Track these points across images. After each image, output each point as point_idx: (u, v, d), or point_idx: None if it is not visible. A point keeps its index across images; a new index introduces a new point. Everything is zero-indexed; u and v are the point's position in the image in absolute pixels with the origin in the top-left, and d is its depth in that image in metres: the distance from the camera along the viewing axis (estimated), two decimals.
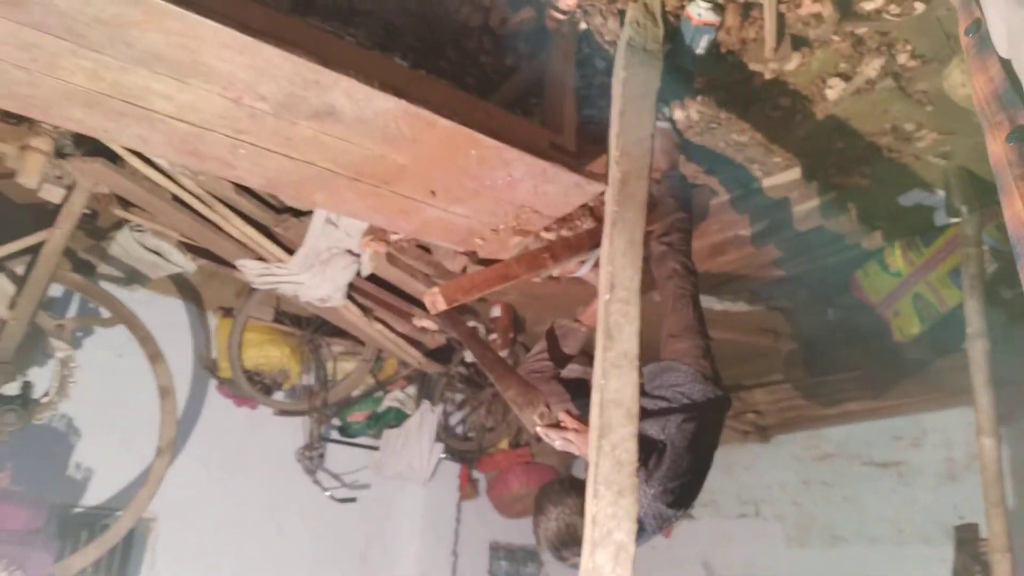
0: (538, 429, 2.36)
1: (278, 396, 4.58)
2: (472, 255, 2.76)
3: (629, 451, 1.72)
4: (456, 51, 2.38)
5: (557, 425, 2.31)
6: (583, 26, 2.28)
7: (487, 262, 2.71)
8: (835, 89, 2.38)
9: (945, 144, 2.60)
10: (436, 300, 2.40)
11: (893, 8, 2.06)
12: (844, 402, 4.46)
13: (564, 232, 2.66)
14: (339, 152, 2.17)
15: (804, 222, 3.07)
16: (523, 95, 2.50)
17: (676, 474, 2.10)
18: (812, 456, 4.84)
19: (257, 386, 4.35)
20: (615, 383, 1.81)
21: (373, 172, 2.25)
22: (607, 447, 1.75)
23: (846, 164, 2.78)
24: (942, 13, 2.04)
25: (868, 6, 2.08)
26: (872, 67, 2.28)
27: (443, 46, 2.36)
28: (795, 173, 2.82)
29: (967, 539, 3.01)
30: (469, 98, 2.13)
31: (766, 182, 2.93)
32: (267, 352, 4.32)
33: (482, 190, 2.26)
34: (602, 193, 2.25)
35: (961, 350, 3.92)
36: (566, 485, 2.15)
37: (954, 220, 2.88)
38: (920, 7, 2.03)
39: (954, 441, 4.14)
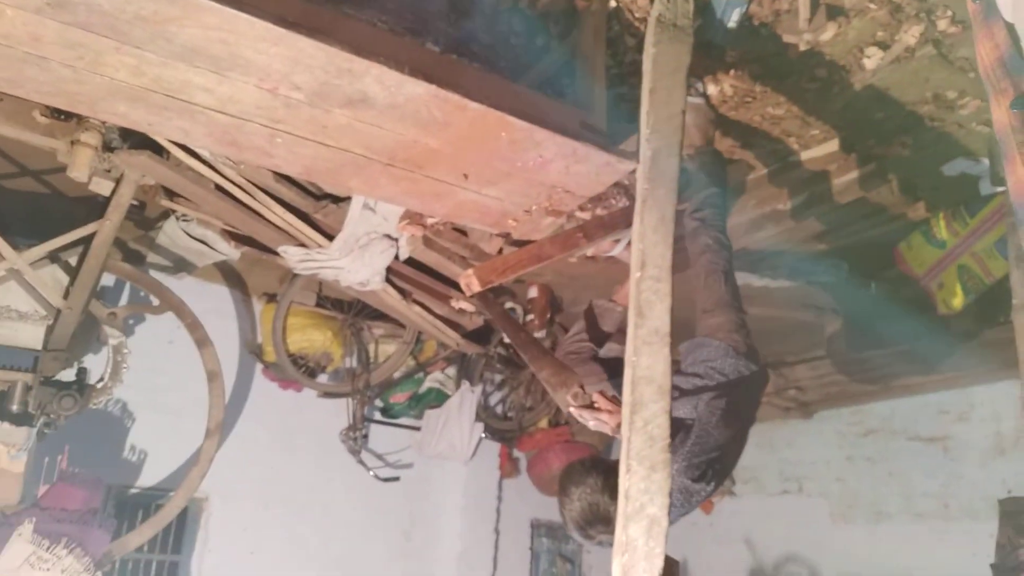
0: (571, 410, 2.38)
1: (322, 379, 4.69)
2: (506, 236, 2.78)
3: (661, 427, 1.74)
4: (487, 34, 2.39)
5: (591, 406, 2.34)
6: (613, 4, 2.27)
7: (521, 243, 2.73)
8: (873, 58, 2.33)
9: (989, 111, 2.54)
10: (471, 282, 2.43)
11: None
12: (888, 377, 4.40)
13: (598, 211, 2.66)
14: (372, 138, 2.21)
15: (844, 194, 3.02)
16: (555, 75, 2.50)
17: (703, 449, 2.10)
18: (856, 432, 4.78)
19: (301, 369, 4.45)
20: (646, 360, 1.82)
21: (406, 157, 2.29)
22: (639, 423, 1.77)
23: (886, 134, 2.73)
24: None
25: None
26: (911, 34, 2.23)
27: (474, 29, 2.37)
28: (833, 145, 2.78)
29: (1012, 512, 2.96)
30: (499, 80, 2.15)
31: (804, 155, 2.89)
32: (310, 336, 4.42)
33: (514, 172, 2.28)
34: (634, 171, 2.25)
35: (1008, 322, 3.85)
36: (587, 465, 2.17)
37: (1000, 189, 2.81)
38: None
39: (1003, 415, 4.06)
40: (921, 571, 4.14)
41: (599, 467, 2.12)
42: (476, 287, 2.41)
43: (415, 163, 2.31)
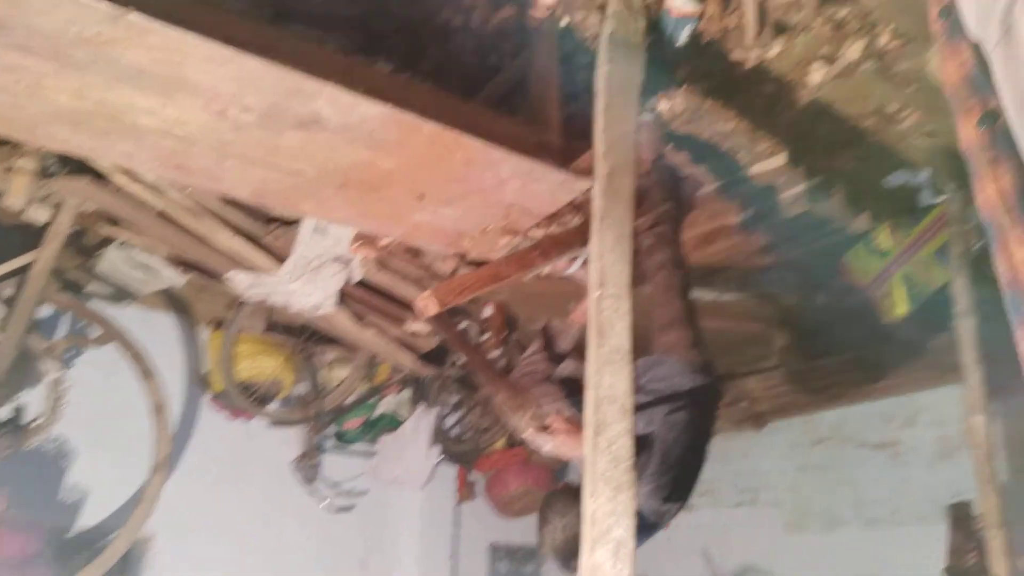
0: (528, 434, 2.36)
1: (272, 407, 4.56)
2: (462, 257, 2.75)
3: (625, 447, 1.73)
4: (439, 52, 2.38)
5: (546, 429, 2.32)
6: (565, 22, 2.28)
7: (477, 263, 2.71)
8: (817, 74, 2.39)
9: (928, 124, 2.62)
10: (429, 303, 2.39)
11: None
12: (837, 385, 4.49)
13: (553, 230, 2.66)
14: (326, 160, 2.16)
15: (792, 208, 3.09)
16: (508, 94, 2.51)
17: (667, 467, 2.11)
18: (807, 441, 4.85)
19: (251, 398, 4.33)
20: (608, 379, 1.82)
21: (360, 179, 2.25)
22: (603, 444, 1.75)
23: (831, 148, 2.80)
24: None
25: None
26: (854, 49, 2.29)
27: (425, 48, 2.36)
28: (781, 159, 2.83)
29: (961, 517, 3.03)
30: (454, 100, 2.13)
31: (753, 169, 2.94)
32: (260, 363, 4.30)
33: (470, 191, 2.26)
34: (589, 189, 2.25)
35: (951, 328, 3.97)
36: (571, 495, 2.15)
37: (940, 199, 2.91)
38: None
39: (947, 419, 4.16)
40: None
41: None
42: (433, 309, 2.38)
43: (369, 185, 2.27)
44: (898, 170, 2.97)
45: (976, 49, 0.66)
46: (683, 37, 2.21)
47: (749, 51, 2.33)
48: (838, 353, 4.30)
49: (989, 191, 0.58)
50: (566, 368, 2.67)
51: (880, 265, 3.40)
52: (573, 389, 2.46)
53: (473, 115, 2.09)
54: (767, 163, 2.90)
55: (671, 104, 2.60)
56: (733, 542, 5.11)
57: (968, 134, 0.62)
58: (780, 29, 2.26)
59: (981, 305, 2.78)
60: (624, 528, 1.68)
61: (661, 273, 2.37)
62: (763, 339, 4.46)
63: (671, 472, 2.07)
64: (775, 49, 2.30)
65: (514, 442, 5.49)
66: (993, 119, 0.59)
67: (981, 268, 3.02)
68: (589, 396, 1.81)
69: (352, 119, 1.98)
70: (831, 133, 2.71)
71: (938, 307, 3.50)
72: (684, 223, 2.90)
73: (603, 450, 1.76)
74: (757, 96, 2.55)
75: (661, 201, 2.46)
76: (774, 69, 2.42)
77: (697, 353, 2.29)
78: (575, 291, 3.51)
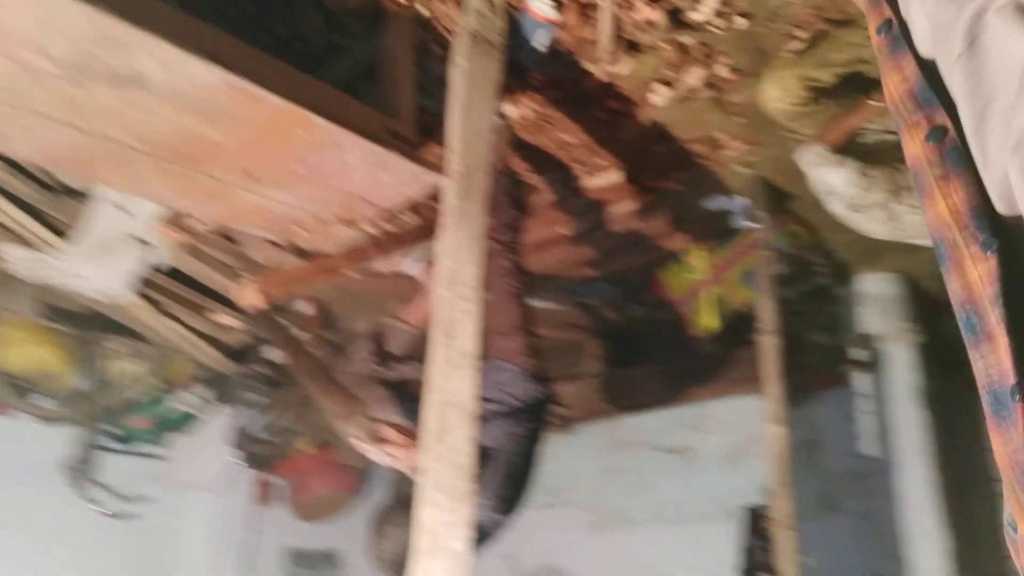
0: (358, 442, 2.24)
1: (43, 402, 4.00)
2: (288, 246, 2.55)
3: (467, 455, 1.67)
4: (284, 26, 2.18)
5: (379, 438, 2.21)
6: (424, 12, 2.18)
7: (307, 254, 2.52)
8: (660, 96, 2.48)
9: (750, 154, 2.81)
10: (255, 296, 2.18)
11: (718, 21, 2.17)
12: (642, 393, 4.73)
13: (387, 227, 2.54)
14: (143, 125, 1.90)
15: (621, 223, 3.20)
16: (353, 78, 2.35)
17: (512, 481, 2.08)
18: (610, 444, 5.08)
19: (18, 390, 3.76)
20: (454, 384, 1.75)
21: (183, 150, 2.00)
22: (445, 451, 1.69)
23: (663, 169, 2.92)
24: (761, 30, 2.18)
25: (696, 16, 2.17)
26: (694, 76, 2.39)
27: (271, 20, 2.15)
28: (616, 176, 2.92)
29: (753, 517, 3.29)
30: (301, 74, 1.95)
31: (589, 183, 3.00)
32: (31, 352, 3.75)
33: (311, 175, 2.09)
34: (436, 188, 2.17)
35: (746, 344, 4.32)
36: (408, 507, 2.05)
37: (751, 225, 3.13)
38: (743, 22, 2.15)
39: (735, 427, 4.53)
40: (668, 573, 4.49)
41: None
42: (260, 302, 2.17)
43: (193, 158, 2.03)
44: (717, 195, 3.17)
45: (921, 62, 0.65)
46: (541, 42, 2.19)
47: (600, 65, 2.36)
48: (646, 363, 4.54)
49: (939, 208, 0.57)
50: (398, 372, 2.56)
51: (692, 282, 3.62)
52: (407, 394, 2.36)
53: (322, 93, 1.93)
54: (603, 178, 2.98)
55: (520, 110, 2.58)
56: (537, 543, 5.22)
57: (914, 150, 0.61)
58: (631, 47, 2.31)
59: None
60: (461, 540, 1.62)
61: (503, 279, 2.33)
62: (578, 348, 4.60)
63: (515, 486, 2.03)
64: (625, 67, 2.35)
65: (319, 444, 5.25)
66: (942, 134, 0.58)
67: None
68: (432, 400, 1.73)
69: (181, 82, 1.75)
70: (665, 154, 2.83)
71: (739, 325, 3.81)
72: (523, 231, 2.89)
73: (445, 458, 1.69)
74: (602, 111, 2.60)
75: (505, 207, 2.42)
76: (621, 86, 2.48)
77: (535, 362, 2.28)
78: (402, 289, 3.41)
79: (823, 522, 3.97)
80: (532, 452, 2.19)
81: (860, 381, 3.93)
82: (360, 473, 5.33)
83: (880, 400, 3.89)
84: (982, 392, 0.51)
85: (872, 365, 3.89)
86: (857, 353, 3.93)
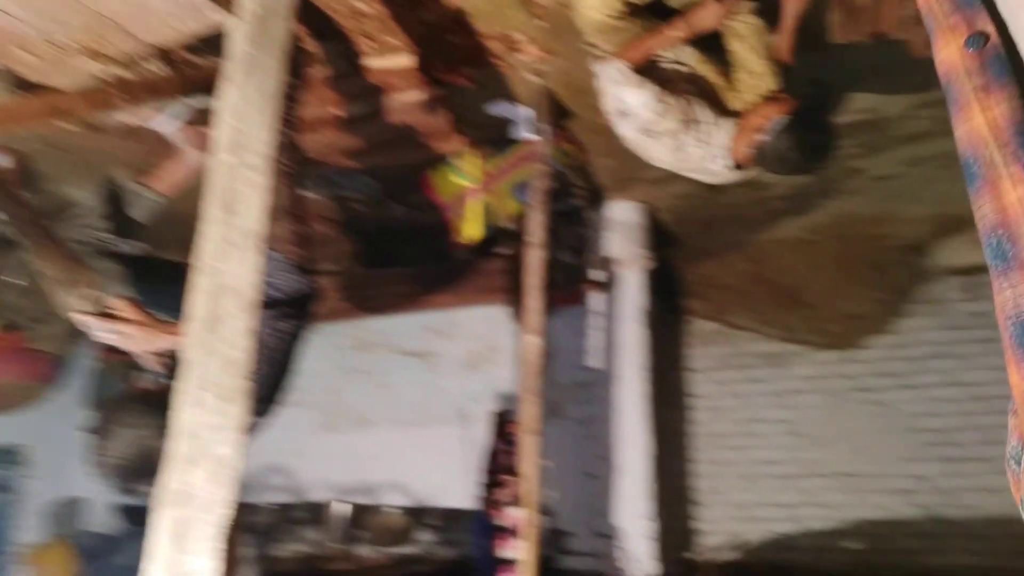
0: (82, 316, 1.89)
1: None
2: (6, 74, 2.01)
3: (245, 349, 1.48)
4: None
5: (109, 314, 1.89)
6: None
7: (29, 87, 2.01)
8: None
9: (543, 63, 2.77)
10: None
11: None
12: (389, 295, 4.66)
13: (146, 68, 2.10)
14: None
15: (400, 113, 3.01)
16: None
17: (275, 380, 1.90)
18: (353, 345, 4.96)
19: None
20: (233, 266, 1.53)
21: None
22: (217, 343, 1.48)
23: (456, 61, 2.78)
24: None
25: None
26: None
27: None
28: (407, 60, 2.71)
29: (500, 423, 3.40)
30: None
31: (374, 62, 2.76)
32: None
33: None
34: (219, 29, 1.82)
35: (497, 256, 4.40)
36: (148, 402, 1.76)
37: (530, 137, 3.12)
38: None
39: (478, 335, 4.66)
40: (400, 473, 4.55)
41: (160, 405, 1.71)
42: None
43: None
44: (502, 101, 3.10)
45: None
46: None
47: None
48: (399, 264, 4.45)
49: (976, 122, 0.52)
50: (138, 248, 2.18)
51: (462, 187, 3.56)
52: (147, 273, 2.02)
53: None
54: (391, 60, 2.76)
55: None
56: (265, 443, 4.99)
57: (949, 56, 0.55)
58: None
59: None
60: (230, 446, 1.44)
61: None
62: (332, 242, 4.36)
63: (273, 386, 1.85)
64: None
65: (6, 326, 4.46)
66: (983, 40, 0.53)
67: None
68: (202, 284, 1.49)
69: None
70: (461, 47, 2.69)
71: (495, 234, 3.86)
72: (299, 103, 2.59)
73: (215, 350, 1.48)
74: None
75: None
76: None
77: (302, 251, 2.07)
78: (136, 150, 2.91)
79: (547, 427, 4.27)
80: (293, 350, 2.00)
81: (595, 300, 4.20)
82: (55, 360, 4.65)
83: (610, 318, 4.19)
84: (1005, 322, 0.48)
85: (607, 286, 4.18)
86: (596, 274, 4.19)
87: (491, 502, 2.73)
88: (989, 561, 4.02)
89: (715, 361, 5.01)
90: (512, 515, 2.67)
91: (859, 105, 3.16)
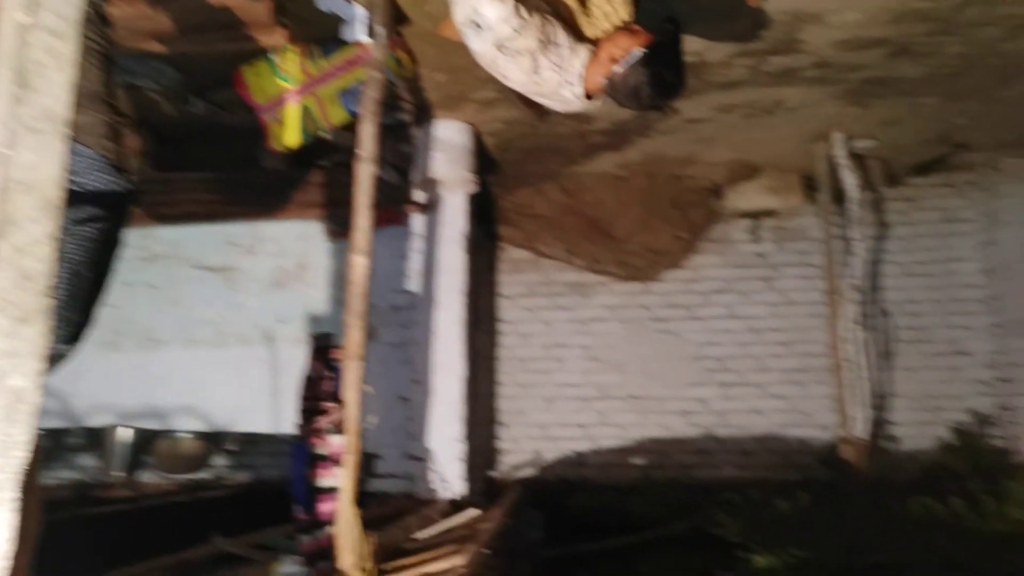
0: None
1: None
2: None
3: (43, 259, 1.22)
4: None
5: None
6: None
7: None
8: None
9: None
10: None
11: None
12: (186, 202, 4.21)
13: None
14: None
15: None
16: None
17: (78, 301, 1.61)
18: (139, 257, 4.46)
19: None
20: (29, 156, 1.24)
21: None
22: (9, 251, 1.21)
23: None
24: None
25: None
26: None
27: None
28: None
29: (321, 348, 3.19)
30: None
31: None
32: None
33: None
34: None
35: (320, 166, 4.12)
36: None
37: (363, 39, 2.87)
38: None
39: (287, 251, 4.37)
40: (194, 395, 4.22)
41: None
42: None
43: None
44: None
45: None
46: None
47: None
48: (199, 168, 4.01)
49: None
50: None
51: (280, 89, 3.24)
52: None
53: None
54: None
55: None
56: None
57: None
58: None
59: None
60: (27, 375, 1.20)
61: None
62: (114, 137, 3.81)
63: (81, 306, 1.56)
64: None
65: None
66: None
67: None
68: None
69: None
70: None
71: (315, 145, 3.57)
72: None
73: (7, 261, 1.21)
74: None
75: None
76: None
77: (115, 146, 1.76)
78: None
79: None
80: (106, 262, 1.71)
81: (416, 222, 4.07)
82: None
83: (430, 242, 4.10)
84: None
85: (430, 208, 4.06)
86: (419, 195, 4.05)
87: (312, 430, 2.58)
88: (751, 474, 4.55)
89: (524, 288, 5.12)
90: (333, 443, 2.55)
91: (687, 48, 3.25)
